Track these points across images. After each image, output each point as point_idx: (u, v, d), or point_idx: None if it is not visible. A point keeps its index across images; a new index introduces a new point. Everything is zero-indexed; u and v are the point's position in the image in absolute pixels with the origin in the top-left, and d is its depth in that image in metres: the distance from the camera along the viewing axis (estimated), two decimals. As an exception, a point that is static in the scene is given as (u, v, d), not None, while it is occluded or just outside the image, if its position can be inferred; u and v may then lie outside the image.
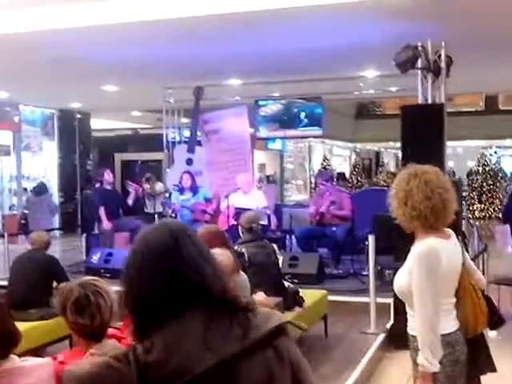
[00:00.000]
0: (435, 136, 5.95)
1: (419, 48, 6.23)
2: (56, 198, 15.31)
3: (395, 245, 6.14)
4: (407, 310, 2.89)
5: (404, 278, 2.81)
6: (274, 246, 5.64)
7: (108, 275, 8.00)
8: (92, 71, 10.43)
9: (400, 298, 2.92)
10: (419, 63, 6.32)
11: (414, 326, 2.80)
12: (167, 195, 11.18)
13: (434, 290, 2.68)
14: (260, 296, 3.74)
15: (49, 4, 7.16)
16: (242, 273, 3.60)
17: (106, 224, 9.36)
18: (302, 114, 11.53)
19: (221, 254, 3.29)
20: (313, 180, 24.05)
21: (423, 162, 2.90)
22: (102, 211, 9.44)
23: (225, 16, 7.13)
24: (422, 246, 2.77)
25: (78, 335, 2.54)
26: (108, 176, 9.66)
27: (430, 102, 6.39)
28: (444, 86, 6.41)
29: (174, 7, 7.13)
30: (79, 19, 7.46)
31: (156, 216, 10.89)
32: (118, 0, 7.12)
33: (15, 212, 14.58)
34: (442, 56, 6.37)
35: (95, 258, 8.59)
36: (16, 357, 2.30)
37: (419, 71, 6.45)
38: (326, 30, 7.87)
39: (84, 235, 10.64)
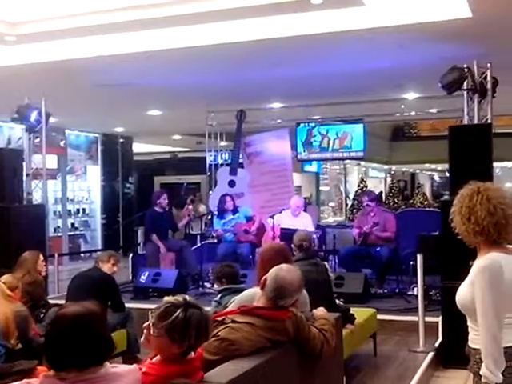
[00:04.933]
0: (483, 156, 5.99)
1: (465, 69, 6.32)
2: (99, 220, 15.59)
3: (443, 264, 6.20)
4: (469, 323, 2.93)
5: (466, 292, 2.87)
6: (326, 264, 5.73)
7: (156, 294, 8.25)
8: (136, 97, 10.68)
9: (462, 311, 2.97)
10: (465, 84, 6.42)
11: (475, 339, 2.84)
12: (209, 217, 11.32)
13: (496, 302, 2.74)
14: (321, 311, 3.84)
15: (94, 33, 7.39)
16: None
17: (163, 248, 9.47)
18: (343, 136, 11.63)
19: (289, 270, 3.41)
20: (348, 202, 24.07)
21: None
22: (155, 237, 9.52)
23: (266, 41, 7.28)
24: (485, 259, 2.83)
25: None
26: (163, 201, 9.73)
27: (476, 122, 6.46)
28: (491, 107, 6.48)
29: (217, 34, 7.29)
30: (124, 46, 7.73)
31: (199, 237, 11.04)
32: (162, 28, 7.30)
33: (60, 234, 14.90)
34: (488, 77, 6.45)
35: (143, 277, 8.74)
36: (108, 363, 2.46)
37: (465, 92, 6.53)
38: (368, 53, 7.99)
39: (130, 256, 10.82)
